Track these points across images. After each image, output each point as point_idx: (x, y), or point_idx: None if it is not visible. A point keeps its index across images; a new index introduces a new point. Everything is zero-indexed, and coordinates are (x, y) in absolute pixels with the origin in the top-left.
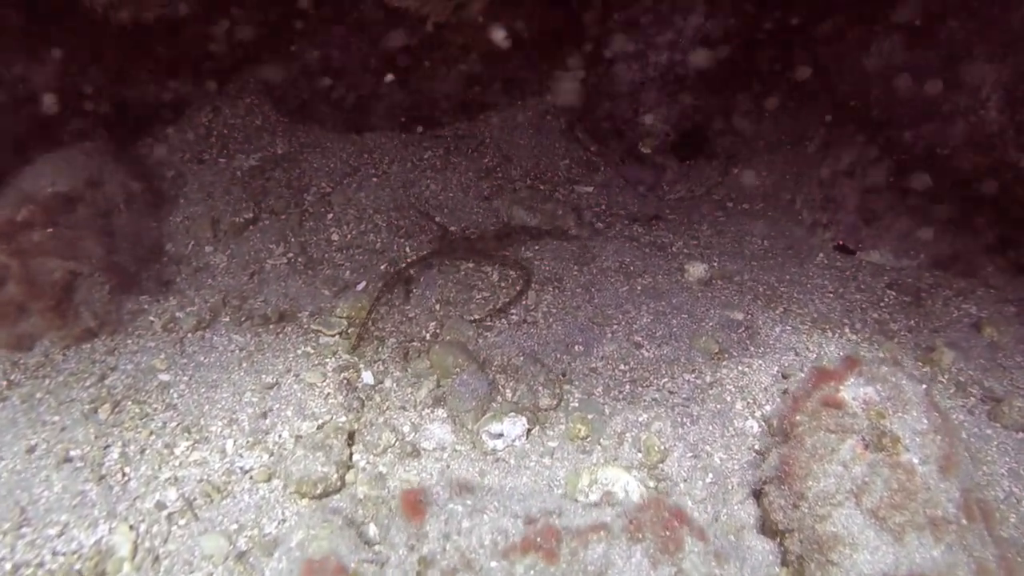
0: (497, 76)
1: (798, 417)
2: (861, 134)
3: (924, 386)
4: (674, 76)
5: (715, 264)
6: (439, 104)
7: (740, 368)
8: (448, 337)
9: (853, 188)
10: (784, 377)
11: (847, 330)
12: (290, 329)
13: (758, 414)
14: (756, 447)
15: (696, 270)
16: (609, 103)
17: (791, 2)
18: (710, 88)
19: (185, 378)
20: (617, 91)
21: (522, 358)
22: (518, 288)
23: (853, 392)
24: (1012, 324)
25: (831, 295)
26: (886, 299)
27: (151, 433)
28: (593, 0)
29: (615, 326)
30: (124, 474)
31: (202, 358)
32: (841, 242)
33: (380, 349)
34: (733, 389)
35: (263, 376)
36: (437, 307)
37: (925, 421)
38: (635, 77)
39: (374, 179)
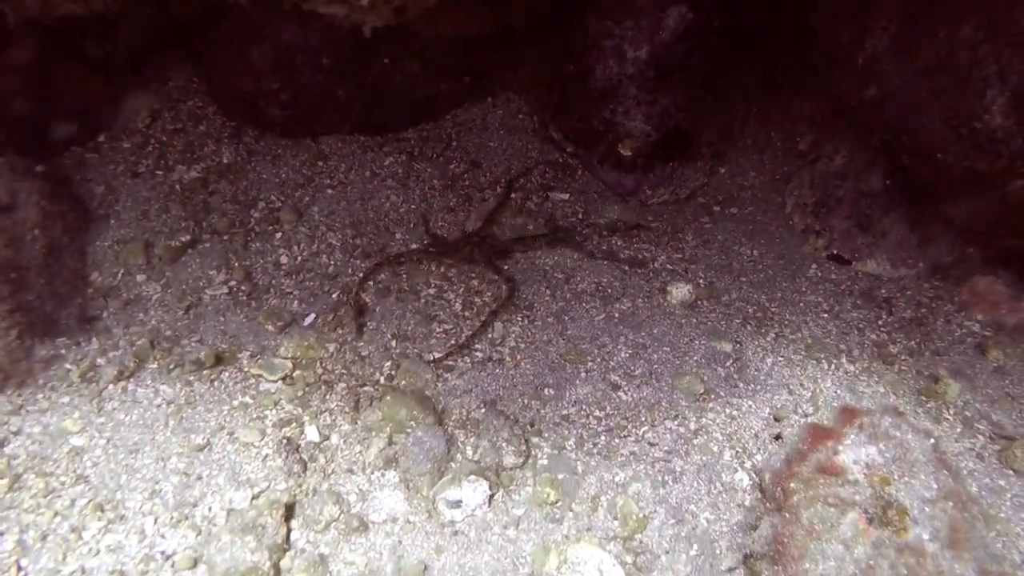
0: (464, 72)
1: (792, 485)
2: (854, 132)
3: (932, 441)
4: (655, 72)
5: (700, 282)
6: (401, 103)
7: (728, 411)
8: (403, 382)
9: (847, 191)
10: (776, 420)
11: (844, 359)
12: (227, 375)
13: (748, 465)
14: (747, 503)
15: (680, 292)
16: (585, 102)
17: None
18: (694, 84)
19: (102, 441)
20: (593, 88)
21: (484, 408)
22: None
23: (854, 454)
24: (1018, 344)
25: (826, 314)
26: (884, 316)
27: (56, 514)
28: None
29: (590, 363)
30: (19, 569)
31: (123, 416)
32: (835, 251)
33: (328, 396)
34: (720, 437)
35: (192, 436)
36: (393, 343)
37: (935, 486)
38: (612, 73)
39: (329, 190)
